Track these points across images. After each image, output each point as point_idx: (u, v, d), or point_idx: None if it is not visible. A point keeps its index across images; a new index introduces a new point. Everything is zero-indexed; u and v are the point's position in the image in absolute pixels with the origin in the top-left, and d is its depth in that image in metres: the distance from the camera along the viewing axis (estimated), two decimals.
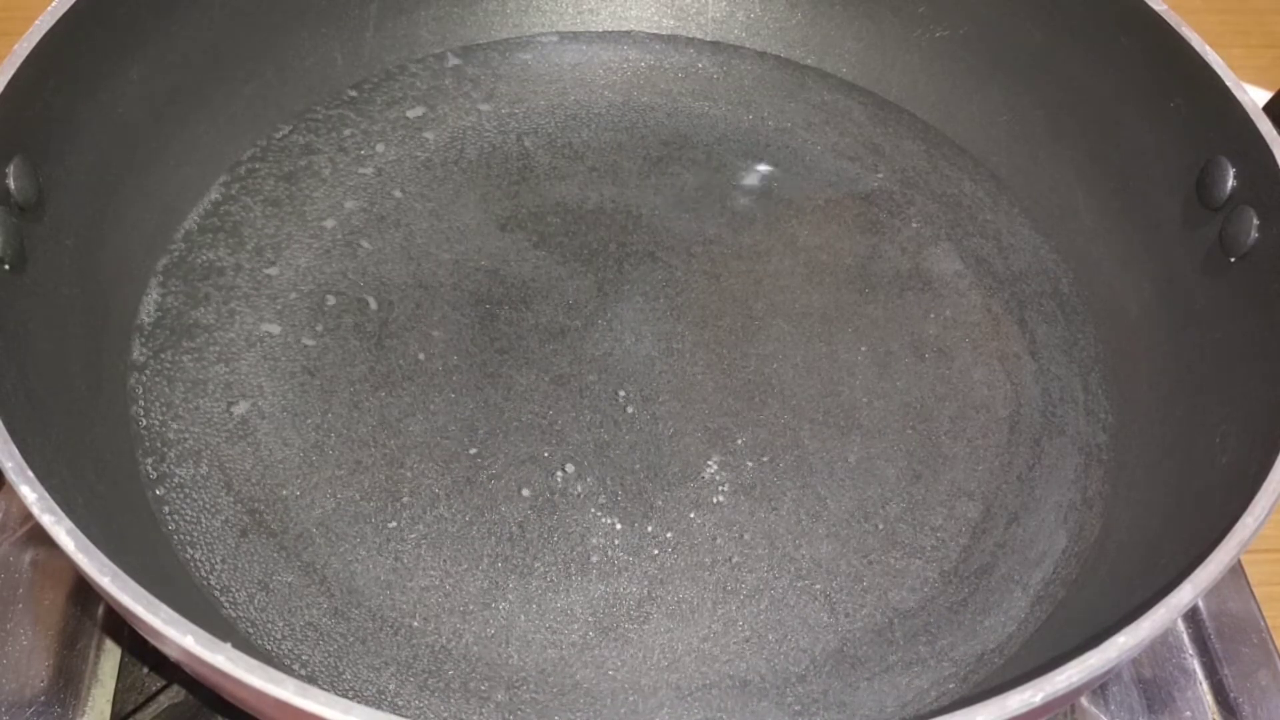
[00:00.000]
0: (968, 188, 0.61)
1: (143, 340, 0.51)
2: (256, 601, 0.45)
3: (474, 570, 0.46)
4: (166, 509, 0.47)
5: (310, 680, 0.43)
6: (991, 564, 0.48)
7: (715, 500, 0.49)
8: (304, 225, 0.56)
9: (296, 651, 0.44)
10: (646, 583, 0.46)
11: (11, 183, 0.44)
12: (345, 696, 0.31)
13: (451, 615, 0.45)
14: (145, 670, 0.48)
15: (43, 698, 0.47)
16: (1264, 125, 0.47)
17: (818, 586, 0.47)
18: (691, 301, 0.55)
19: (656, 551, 0.47)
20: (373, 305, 0.54)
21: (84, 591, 0.49)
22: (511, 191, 0.58)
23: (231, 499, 0.47)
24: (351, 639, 0.44)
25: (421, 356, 0.52)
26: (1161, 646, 0.51)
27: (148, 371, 0.50)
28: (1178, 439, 0.48)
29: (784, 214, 0.59)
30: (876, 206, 0.59)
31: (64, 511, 0.35)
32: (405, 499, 0.48)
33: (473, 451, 0.49)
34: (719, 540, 0.48)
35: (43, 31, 0.46)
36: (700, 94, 0.64)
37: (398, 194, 0.58)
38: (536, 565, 0.46)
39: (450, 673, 0.44)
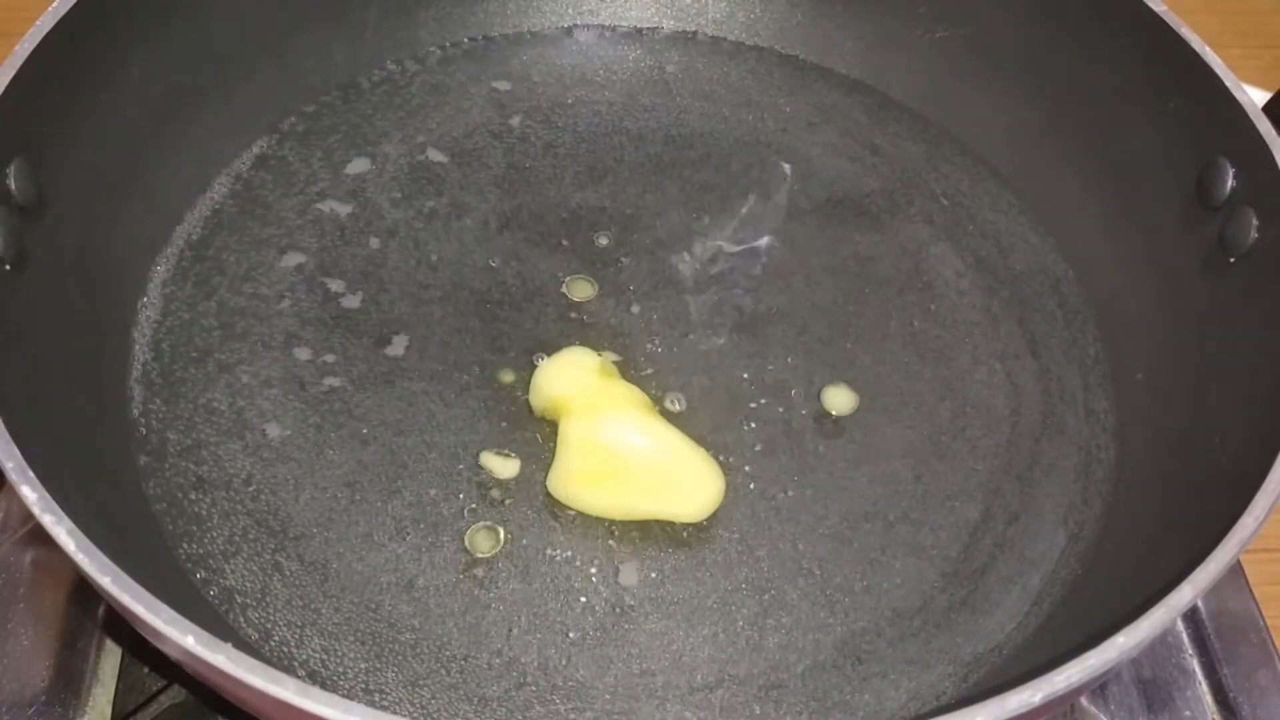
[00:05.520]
0: (967, 187, 0.61)
1: (143, 340, 0.51)
2: (256, 601, 0.45)
3: (475, 569, 0.46)
4: (166, 509, 0.47)
5: (310, 679, 0.43)
6: (991, 564, 0.48)
7: None
8: (304, 224, 0.56)
9: (296, 651, 0.44)
10: (647, 582, 0.46)
11: (12, 183, 0.44)
12: (345, 696, 0.31)
13: (452, 614, 0.45)
14: (146, 670, 0.48)
15: (44, 697, 0.47)
16: (1263, 125, 0.47)
17: (818, 586, 0.47)
18: (692, 301, 0.55)
19: (657, 551, 0.47)
20: (372, 305, 0.54)
21: (84, 591, 0.49)
22: (511, 191, 0.58)
23: (231, 499, 0.47)
24: (352, 638, 0.44)
25: (421, 356, 0.52)
26: (1161, 646, 0.51)
27: (148, 371, 0.51)
28: (1178, 439, 0.48)
29: (784, 214, 0.59)
30: (876, 206, 0.59)
31: (64, 511, 0.35)
32: (405, 499, 0.48)
33: (473, 452, 0.49)
34: (720, 540, 0.48)
35: (43, 32, 0.46)
36: (700, 94, 0.64)
37: (397, 193, 0.58)
38: (537, 564, 0.47)
39: (451, 671, 0.44)
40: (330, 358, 0.52)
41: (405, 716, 0.42)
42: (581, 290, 0.55)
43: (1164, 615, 0.34)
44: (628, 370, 0.52)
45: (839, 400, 0.52)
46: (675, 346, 0.53)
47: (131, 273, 0.53)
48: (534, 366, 0.51)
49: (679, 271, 0.56)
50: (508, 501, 0.48)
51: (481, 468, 0.49)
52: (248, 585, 0.45)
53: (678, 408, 0.51)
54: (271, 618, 0.45)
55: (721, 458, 0.49)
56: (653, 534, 0.48)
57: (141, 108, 0.53)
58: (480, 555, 0.47)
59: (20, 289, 0.44)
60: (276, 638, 0.44)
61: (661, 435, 0.48)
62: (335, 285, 0.54)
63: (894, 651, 0.45)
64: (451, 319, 0.53)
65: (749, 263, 0.57)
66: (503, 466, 0.49)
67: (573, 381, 0.49)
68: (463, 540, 0.47)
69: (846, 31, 0.65)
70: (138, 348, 0.51)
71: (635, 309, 0.54)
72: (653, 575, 0.47)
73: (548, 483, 0.48)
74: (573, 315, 0.54)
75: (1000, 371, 0.54)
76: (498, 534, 0.47)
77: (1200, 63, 0.49)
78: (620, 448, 0.47)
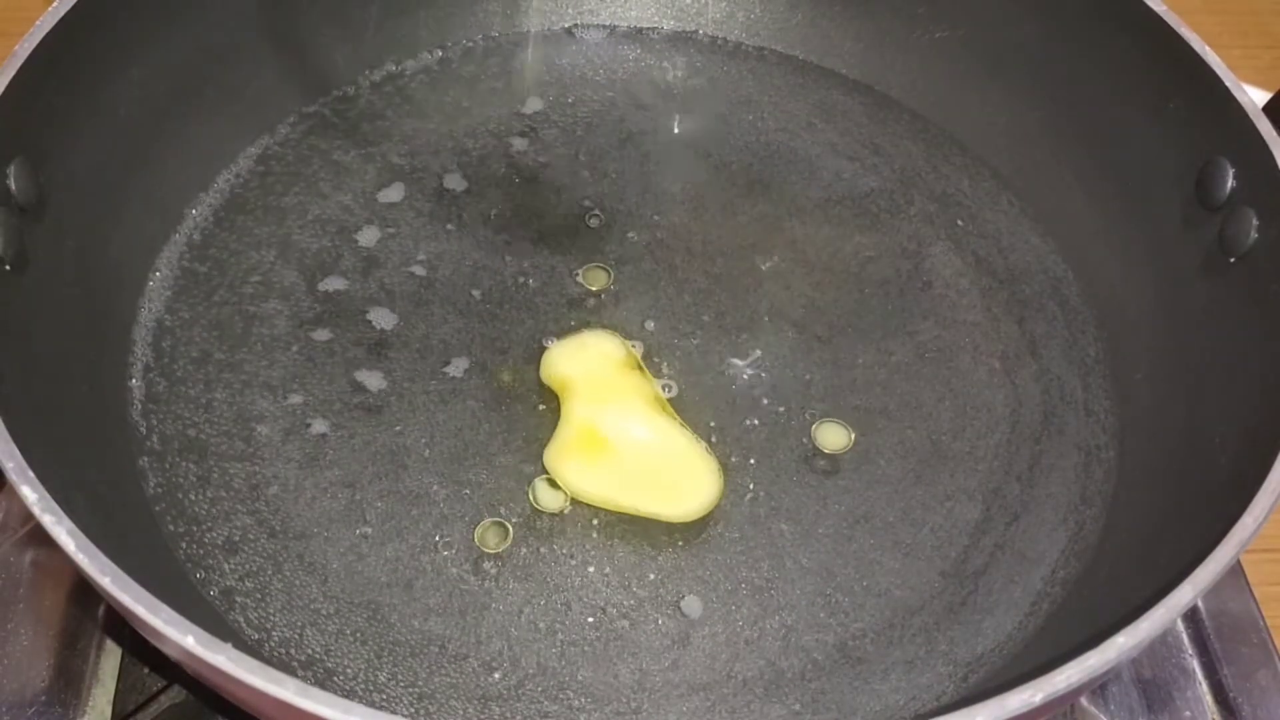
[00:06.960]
0: (967, 187, 0.61)
1: (143, 340, 0.51)
2: (256, 601, 0.45)
3: (475, 570, 0.46)
4: (166, 509, 0.47)
5: (310, 679, 0.43)
6: (991, 564, 0.48)
7: None
8: (303, 225, 0.56)
9: (296, 651, 0.44)
10: (646, 582, 0.46)
11: (12, 183, 0.44)
12: (345, 695, 0.31)
13: (452, 614, 0.45)
14: (146, 670, 0.48)
15: (43, 698, 0.47)
16: (1263, 125, 0.47)
17: (818, 587, 0.47)
18: (692, 301, 0.55)
19: (655, 551, 0.47)
20: (372, 305, 0.54)
21: (84, 591, 0.49)
22: (511, 191, 0.58)
23: (231, 498, 0.47)
24: (352, 638, 0.44)
25: (421, 357, 0.52)
26: (1161, 646, 0.51)
27: (148, 371, 0.51)
28: (1178, 439, 0.48)
29: (784, 214, 0.59)
30: (876, 206, 0.59)
31: (64, 511, 0.35)
32: (406, 499, 0.48)
33: (474, 453, 0.49)
34: (720, 539, 0.48)
35: (43, 32, 0.46)
36: (700, 94, 0.64)
37: (397, 194, 0.58)
38: (539, 566, 0.47)
39: (451, 670, 0.44)
40: (332, 359, 0.52)
41: (405, 716, 0.43)
42: (597, 279, 0.55)
43: (1164, 615, 0.34)
44: None
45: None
46: (675, 345, 0.53)
47: (131, 273, 0.53)
48: (536, 367, 0.51)
49: (679, 270, 0.56)
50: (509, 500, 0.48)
51: (527, 495, 0.48)
52: (248, 585, 0.45)
53: (676, 406, 0.51)
54: (271, 618, 0.45)
55: (721, 457, 0.49)
56: (651, 533, 0.48)
57: (142, 107, 0.53)
58: (482, 554, 0.47)
59: (20, 289, 0.44)
60: (276, 638, 0.44)
61: (663, 431, 0.48)
62: (336, 285, 0.54)
63: (894, 651, 0.45)
64: (452, 318, 0.53)
65: (748, 262, 0.57)
66: (551, 498, 0.48)
67: (581, 363, 0.49)
68: (465, 539, 0.47)
69: (846, 31, 0.65)
70: (138, 348, 0.51)
71: (634, 308, 0.54)
72: (651, 576, 0.47)
73: (544, 457, 0.48)
74: (573, 314, 0.54)
75: (1000, 372, 0.54)
76: (503, 532, 0.47)
77: (1200, 63, 0.49)
78: (617, 436, 0.47)
